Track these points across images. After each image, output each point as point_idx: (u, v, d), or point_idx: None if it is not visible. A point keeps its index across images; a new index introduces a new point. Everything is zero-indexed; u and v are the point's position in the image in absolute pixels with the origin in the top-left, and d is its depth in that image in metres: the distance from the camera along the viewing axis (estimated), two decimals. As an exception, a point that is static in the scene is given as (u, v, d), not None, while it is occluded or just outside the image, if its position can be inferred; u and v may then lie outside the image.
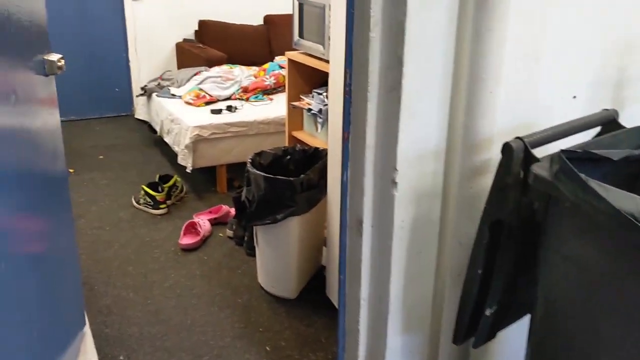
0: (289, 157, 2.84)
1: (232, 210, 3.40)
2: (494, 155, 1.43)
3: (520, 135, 1.29)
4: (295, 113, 3.26)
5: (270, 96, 4.21)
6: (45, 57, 1.98)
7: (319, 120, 2.95)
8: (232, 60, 5.20)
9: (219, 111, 3.78)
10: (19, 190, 1.70)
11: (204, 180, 3.97)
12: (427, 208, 1.54)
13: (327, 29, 2.78)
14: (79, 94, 5.30)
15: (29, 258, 1.79)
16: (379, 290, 1.62)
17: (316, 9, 2.89)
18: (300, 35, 3.08)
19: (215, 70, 4.33)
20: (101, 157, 4.43)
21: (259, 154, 2.76)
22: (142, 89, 4.40)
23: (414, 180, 1.49)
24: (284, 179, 2.47)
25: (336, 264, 1.94)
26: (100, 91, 5.39)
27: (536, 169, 1.14)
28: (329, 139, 2.56)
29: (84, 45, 5.23)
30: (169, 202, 3.58)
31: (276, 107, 3.93)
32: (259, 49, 5.60)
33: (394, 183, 1.47)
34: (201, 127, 3.58)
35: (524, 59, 1.43)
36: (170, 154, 4.23)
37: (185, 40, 5.51)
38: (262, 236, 2.65)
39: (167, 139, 4.03)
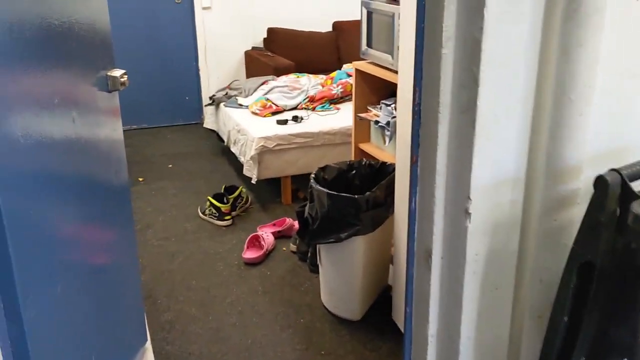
0: (354, 171, 2.73)
1: (296, 224, 3.32)
2: (583, 185, 1.26)
3: (613, 163, 1.13)
4: (362, 124, 3.15)
5: (337, 105, 4.12)
6: (109, 74, 1.96)
7: (387, 133, 2.82)
8: (301, 68, 5.15)
9: (284, 122, 3.73)
10: (81, 204, 1.68)
11: (269, 191, 3.93)
12: (503, 241, 1.39)
13: (396, 38, 2.66)
14: (150, 102, 5.41)
15: (91, 271, 1.77)
16: (449, 328, 1.49)
17: (385, 18, 2.77)
18: (369, 44, 2.97)
19: (282, 80, 4.29)
20: (170, 165, 4.48)
21: (323, 169, 2.67)
22: (211, 98, 4.41)
23: (490, 210, 1.34)
24: (349, 197, 2.37)
25: (403, 284, 1.82)
26: (171, 100, 5.48)
27: (637, 207, 0.98)
28: (397, 153, 2.43)
29: (155, 54, 5.33)
30: (233, 213, 3.55)
31: (343, 117, 3.83)
32: (328, 56, 5.53)
33: (467, 213, 1.33)
34: (266, 138, 3.53)
35: (618, 76, 1.26)
36: (236, 164, 4.22)
37: (254, 48, 5.52)
38: (326, 255, 2.55)
39: (233, 149, 4.01)
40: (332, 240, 2.41)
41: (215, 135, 4.83)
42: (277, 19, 5.54)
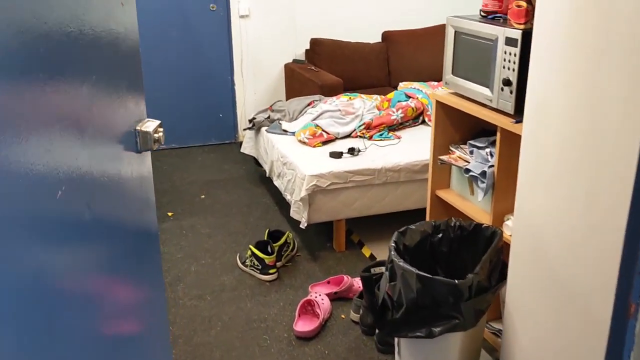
0: (440, 234, 2.17)
1: (356, 283, 2.77)
2: None
3: None
4: (441, 167, 2.58)
5: (397, 133, 3.55)
6: (139, 128, 1.43)
7: (480, 185, 2.25)
8: (348, 84, 4.60)
9: (339, 154, 3.17)
10: (94, 253, 1.15)
11: (317, 233, 3.38)
12: None
13: (498, 69, 2.08)
14: (180, 119, 4.90)
15: (108, 345, 1.23)
16: None
17: (482, 43, 2.19)
18: (455, 71, 2.40)
19: (334, 103, 3.73)
20: (202, 196, 3.95)
21: (403, 233, 2.11)
22: (250, 121, 3.88)
23: None
24: (446, 282, 1.81)
25: None
26: (203, 117, 4.97)
27: None
28: (516, 220, 1.86)
29: (187, 66, 4.82)
30: (279, 264, 3.01)
31: (406, 150, 3.27)
32: (377, 70, 4.97)
33: None
34: (319, 177, 2.98)
35: None
36: (278, 195, 3.69)
37: (295, 60, 4.98)
38: (408, 348, 1.99)
39: (277, 183, 3.47)
40: (421, 334, 1.85)
41: (251, 157, 4.30)
42: (320, 29, 4.99)
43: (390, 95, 3.86)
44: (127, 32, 1.36)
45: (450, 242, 2.16)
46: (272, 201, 3.85)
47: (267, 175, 3.65)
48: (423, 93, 3.80)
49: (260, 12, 4.86)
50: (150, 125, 1.46)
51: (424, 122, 3.75)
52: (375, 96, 4.00)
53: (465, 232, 2.15)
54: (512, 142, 2.11)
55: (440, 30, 5.18)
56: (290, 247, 3.11)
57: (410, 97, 3.80)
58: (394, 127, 3.60)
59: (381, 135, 3.48)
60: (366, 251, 3.20)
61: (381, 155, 3.19)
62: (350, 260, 3.11)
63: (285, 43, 4.98)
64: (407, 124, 3.68)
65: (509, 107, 2.06)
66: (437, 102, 2.47)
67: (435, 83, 4.07)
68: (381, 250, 3.20)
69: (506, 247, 2.03)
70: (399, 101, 3.77)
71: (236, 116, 5.04)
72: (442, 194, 2.58)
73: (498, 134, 2.12)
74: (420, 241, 2.13)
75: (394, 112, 3.59)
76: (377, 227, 3.40)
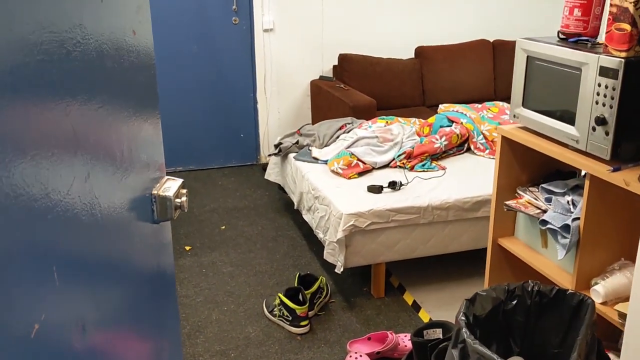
0: (515, 301, 1.80)
1: (402, 341, 2.41)
2: None
3: None
4: (504, 212, 2.22)
5: (441, 162, 3.20)
6: (156, 192, 1.09)
7: (561, 240, 1.88)
8: (379, 104, 4.26)
9: (378, 189, 2.82)
10: (97, 300, 0.80)
11: (353, 275, 3.03)
12: None
13: (588, 104, 1.73)
14: (199, 139, 4.59)
15: None
16: None
17: (564, 72, 1.84)
18: (527, 104, 2.04)
19: (370, 128, 3.38)
20: (223, 227, 3.62)
21: (472, 301, 1.75)
22: (276, 147, 3.54)
23: None
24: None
25: None
26: (223, 137, 4.65)
27: None
28: (634, 305, 1.49)
29: (207, 82, 4.51)
30: (311, 313, 2.66)
31: (454, 182, 2.91)
32: (410, 89, 4.62)
33: None
34: (358, 216, 2.63)
35: None
36: (305, 226, 3.36)
37: (322, 77, 4.64)
38: None
39: (307, 217, 3.13)
40: None
41: (274, 182, 3.96)
42: (349, 44, 4.66)
43: (431, 119, 3.50)
44: (140, 50, 1.03)
45: (527, 311, 1.80)
46: (299, 234, 3.50)
47: (296, 207, 3.31)
48: (467, 117, 3.45)
49: (285, 25, 4.53)
50: (171, 186, 1.13)
51: (469, 149, 3.40)
52: (413, 119, 3.65)
53: (546, 298, 1.79)
54: (604, 193, 1.75)
55: (477, 45, 4.82)
56: (324, 294, 2.76)
57: (453, 121, 3.44)
58: (437, 156, 3.25)
59: (423, 165, 3.12)
60: (408, 298, 2.84)
61: (426, 190, 2.84)
62: (391, 309, 2.75)
63: (312, 58, 4.66)
64: (451, 152, 3.32)
65: (604, 152, 1.70)
66: (504, 138, 2.11)
67: (479, 105, 3.72)
68: (425, 297, 2.83)
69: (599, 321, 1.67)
70: (441, 126, 3.42)
71: (258, 136, 4.71)
72: (506, 243, 2.22)
73: (587, 183, 1.75)
74: (492, 310, 1.77)
75: (437, 140, 3.23)
76: (418, 269, 3.05)
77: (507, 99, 4.76)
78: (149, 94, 1.12)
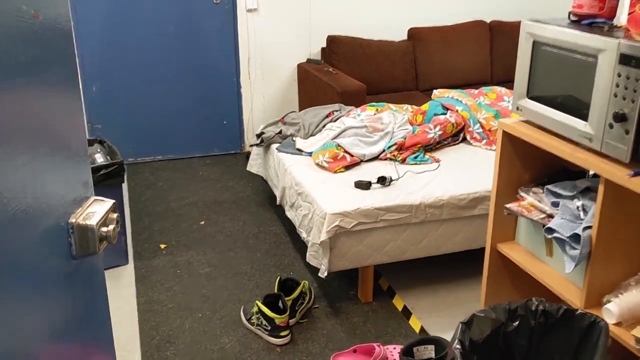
0: (517, 322, 1.58)
1: (390, 355, 2.20)
2: None
3: None
4: (504, 215, 1.99)
5: (434, 154, 2.96)
6: (75, 221, 0.85)
7: (571, 252, 1.65)
8: (370, 89, 4.01)
9: (366, 185, 2.58)
10: None
11: (339, 277, 2.81)
12: None
13: (604, 97, 1.49)
14: (179, 127, 4.33)
15: None
16: None
17: (577, 59, 1.60)
18: (531, 94, 1.80)
19: (358, 117, 3.13)
20: (202, 222, 3.38)
21: (469, 324, 1.53)
22: (258, 136, 3.29)
23: None
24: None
25: None
26: (205, 123, 4.39)
27: None
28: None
29: (187, 66, 4.23)
30: (292, 321, 2.44)
31: (449, 177, 2.68)
32: (402, 72, 4.37)
33: None
34: (343, 215, 2.39)
35: None
36: (290, 223, 3.13)
37: (309, 60, 4.38)
38: None
39: (289, 214, 2.90)
40: None
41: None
42: (338, 25, 4.40)
43: (425, 107, 3.26)
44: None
45: (530, 333, 1.58)
46: (282, 230, 3.28)
47: (278, 202, 3.07)
48: (463, 104, 3.20)
49: (271, 5, 4.26)
50: (96, 211, 0.89)
51: (464, 139, 3.16)
52: (406, 106, 3.40)
53: (552, 319, 1.57)
54: (621, 200, 1.53)
55: (473, 27, 4.56)
56: (307, 299, 2.54)
57: (448, 109, 3.20)
58: (431, 146, 3.01)
59: (416, 157, 2.89)
60: (398, 303, 2.63)
61: (419, 186, 2.60)
62: (379, 316, 2.53)
63: (299, 40, 4.39)
64: (446, 142, 3.09)
65: (622, 153, 1.46)
66: (505, 133, 1.87)
67: (475, 91, 3.47)
68: (416, 302, 2.62)
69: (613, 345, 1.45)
70: (435, 114, 3.18)
71: (242, 123, 4.46)
72: (506, 249, 1.99)
73: (601, 188, 1.53)
74: (491, 333, 1.55)
75: (431, 130, 2.99)
76: (409, 270, 2.83)
77: (504, 83, 4.52)
78: (67, 86, 0.87)
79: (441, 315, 2.53)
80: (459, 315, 2.53)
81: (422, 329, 2.45)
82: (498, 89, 3.54)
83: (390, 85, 4.33)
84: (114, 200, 0.93)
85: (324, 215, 2.39)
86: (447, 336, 2.39)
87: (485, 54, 4.56)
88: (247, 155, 4.30)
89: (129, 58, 4.05)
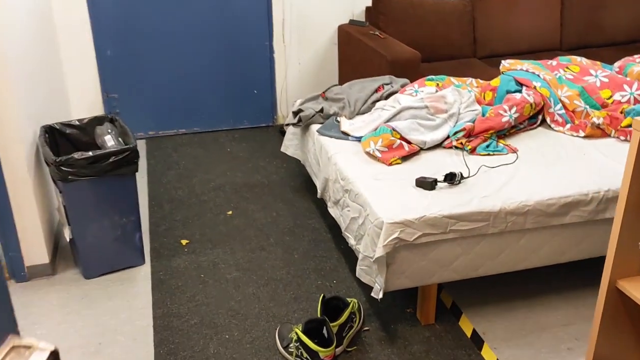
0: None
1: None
2: None
3: None
4: (630, 245, 1.49)
5: (510, 142, 2.44)
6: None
7: None
8: (422, 55, 3.46)
9: (431, 184, 2.09)
10: None
11: (393, 295, 2.35)
12: None
13: None
14: (205, 97, 3.86)
15: None
16: None
17: None
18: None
19: (416, 96, 2.62)
20: (230, 212, 2.94)
21: None
22: (295, 114, 2.80)
23: None
24: None
25: None
26: (233, 93, 3.91)
27: None
28: None
29: (213, 29, 3.73)
30: (339, 350, 2.00)
31: (532, 174, 2.17)
32: (459, 36, 3.80)
33: None
34: (405, 225, 1.92)
35: None
36: (333, 217, 2.68)
37: (352, 22, 3.84)
38: None
39: (333, 212, 2.43)
40: None
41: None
42: (386, -20, 3.82)
43: (495, 82, 2.72)
44: None
45: None
46: (322, 224, 2.82)
47: (319, 196, 2.60)
48: (541, 80, 2.66)
49: (309, -43, 3.70)
50: None
51: (543, 122, 2.63)
52: (469, 80, 2.86)
53: None
54: None
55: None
56: (356, 321, 2.10)
57: (522, 84, 2.66)
58: (504, 132, 2.49)
59: (488, 147, 2.38)
60: (466, 326, 2.17)
61: (496, 186, 2.10)
62: (445, 344, 2.08)
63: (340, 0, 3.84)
64: (522, 126, 2.56)
65: None
66: (646, 135, 1.36)
67: (553, 62, 2.91)
68: (488, 325, 2.16)
69: None
70: (507, 91, 2.64)
71: (275, 93, 3.96)
72: (629, 286, 1.50)
73: None
74: None
75: (506, 111, 2.47)
76: (476, 283, 2.36)
77: (575, 50, 3.93)
78: None
79: (520, 346, 2.07)
80: (542, 346, 2.07)
81: (499, 366, 1.99)
82: (578, 59, 2.97)
83: (444, 52, 3.77)
84: (54, 347, 0.47)
85: (380, 225, 1.92)
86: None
87: (555, 15, 3.95)
88: (280, 128, 3.83)
89: (148, 18, 3.56)
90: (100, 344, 2.09)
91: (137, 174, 2.40)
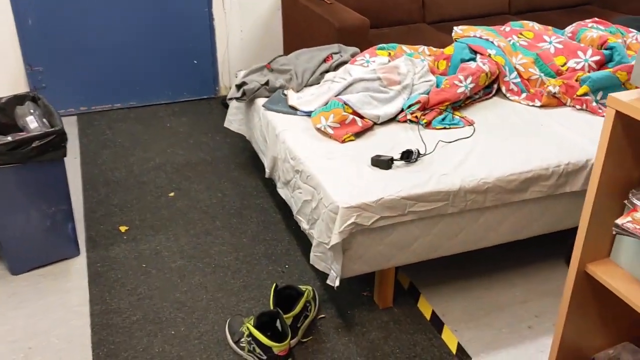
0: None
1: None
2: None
3: None
4: (599, 224, 1.41)
5: (465, 114, 2.34)
6: None
7: None
8: (372, 20, 3.31)
9: (387, 163, 1.96)
10: None
11: (349, 278, 2.23)
12: None
13: None
14: (141, 68, 3.59)
15: None
16: None
17: None
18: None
19: (369, 67, 2.47)
20: (172, 194, 2.75)
21: None
22: (239, 88, 2.60)
23: None
24: None
25: None
26: (172, 63, 3.66)
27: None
28: None
29: (148, -5, 3.45)
30: (293, 341, 1.89)
31: (490, 148, 2.08)
32: (407, 1, 3.66)
33: None
34: (361, 209, 1.79)
35: None
36: (282, 197, 2.53)
37: (295, -14, 3.62)
38: None
39: (283, 193, 2.28)
40: None
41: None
42: (331, -60, 3.61)
43: (448, 50, 2.60)
44: None
45: None
46: (271, 203, 2.67)
47: (267, 175, 2.44)
48: (496, 47, 2.56)
49: None
50: None
51: (498, 91, 2.54)
52: (421, 48, 2.74)
53: None
54: None
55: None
56: (311, 310, 1.98)
57: (477, 52, 2.56)
58: (459, 103, 2.39)
59: (443, 119, 2.27)
60: (425, 308, 2.09)
61: (454, 162, 2.00)
62: (404, 329, 1.99)
63: (283, -39, 3.62)
64: (477, 96, 2.46)
65: None
66: (618, 114, 1.26)
67: (506, 29, 2.81)
68: (447, 306, 2.08)
69: None
70: (462, 60, 2.53)
71: (216, 63, 3.74)
72: (599, 271, 1.43)
73: None
74: None
75: (461, 82, 2.35)
76: (433, 261, 2.28)
77: (524, 14, 3.85)
78: None
79: (481, 327, 2.00)
80: (502, 325, 2.01)
81: (460, 347, 1.92)
82: (530, 24, 2.88)
83: (392, 17, 3.63)
84: None
85: (336, 210, 1.79)
86: (492, 356, 1.87)
87: (504, -22, 3.86)
88: (222, 100, 3.63)
89: (72, -17, 3.25)
90: (30, 348, 1.90)
91: (68, 155, 2.18)
